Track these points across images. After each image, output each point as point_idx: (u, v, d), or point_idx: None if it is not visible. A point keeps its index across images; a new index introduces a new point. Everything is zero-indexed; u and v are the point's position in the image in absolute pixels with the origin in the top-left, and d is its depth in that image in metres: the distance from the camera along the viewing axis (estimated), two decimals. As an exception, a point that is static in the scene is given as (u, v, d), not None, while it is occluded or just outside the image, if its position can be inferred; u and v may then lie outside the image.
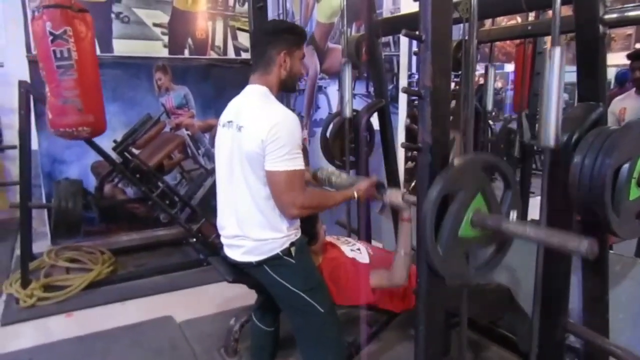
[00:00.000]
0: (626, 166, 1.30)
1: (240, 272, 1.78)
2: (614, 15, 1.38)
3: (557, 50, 1.28)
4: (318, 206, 1.69)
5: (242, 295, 2.72)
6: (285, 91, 1.75)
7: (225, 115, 1.74)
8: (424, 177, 1.32)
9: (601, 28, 1.39)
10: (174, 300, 3.07)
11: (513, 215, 1.34)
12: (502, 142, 3.00)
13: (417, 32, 1.24)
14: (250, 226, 1.65)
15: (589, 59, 1.47)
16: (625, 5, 1.44)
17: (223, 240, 1.79)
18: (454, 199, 1.25)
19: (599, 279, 1.73)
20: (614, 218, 1.33)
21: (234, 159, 1.65)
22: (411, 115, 3.03)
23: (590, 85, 1.51)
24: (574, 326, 1.72)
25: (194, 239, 3.63)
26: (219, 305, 2.92)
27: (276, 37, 1.66)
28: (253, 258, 1.67)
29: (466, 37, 1.44)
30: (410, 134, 3.05)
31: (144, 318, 2.80)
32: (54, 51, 2.38)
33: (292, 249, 1.66)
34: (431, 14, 1.18)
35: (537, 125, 3.09)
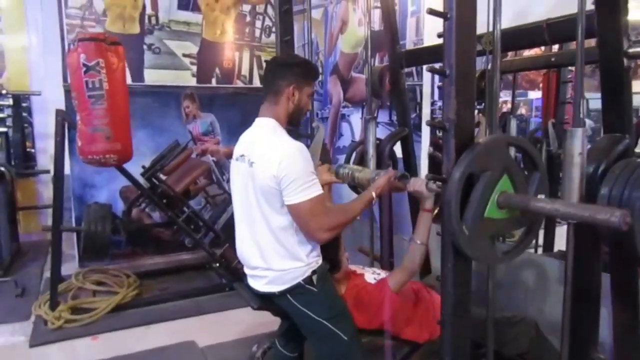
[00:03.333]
0: (655, 198, 1.29)
1: (264, 299, 1.80)
2: (639, 49, 1.38)
3: (579, 132, 1.30)
4: (344, 222, 1.67)
5: (265, 322, 2.72)
6: (290, 125, 1.76)
7: (237, 149, 1.78)
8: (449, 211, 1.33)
9: (626, 61, 1.40)
10: (197, 325, 3.09)
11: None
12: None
13: (440, 67, 1.27)
14: (271, 257, 1.68)
15: (613, 92, 1.47)
16: (650, 39, 1.44)
17: (246, 271, 1.82)
18: (480, 178, 1.24)
19: (630, 311, 1.69)
20: (644, 251, 1.31)
21: (249, 193, 1.69)
22: (434, 144, 3.05)
23: (616, 117, 1.51)
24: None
25: (217, 264, 3.66)
26: (242, 331, 2.92)
27: (288, 69, 1.70)
28: (275, 288, 1.69)
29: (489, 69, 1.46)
30: (434, 161, 3.06)
31: (167, 342, 2.82)
32: (87, 82, 2.51)
33: (314, 277, 1.68)
34: (455, 49, 1.21)
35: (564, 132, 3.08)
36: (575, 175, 1.36)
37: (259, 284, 1.75)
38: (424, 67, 2.94)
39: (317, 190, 1.59)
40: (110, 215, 3.24)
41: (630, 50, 1.39)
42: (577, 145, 1.33)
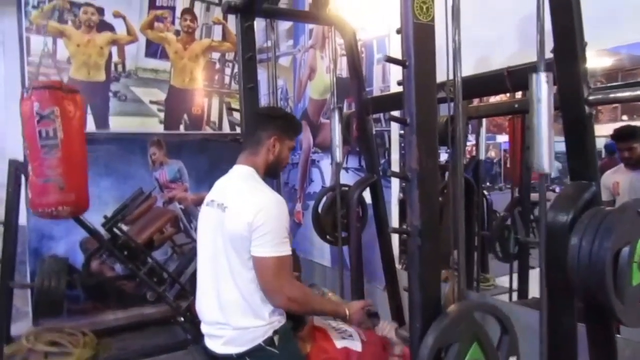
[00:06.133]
0: (626, 249, 1.24)
1: (222, 365, 1.66)
2: (599, 97, 1.38)
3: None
4: (305, 303, 1.60)
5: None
6: (268, 177, 1.73)
7: (210, 195, 1.71)
8: (414, 262, 1.25)
9: (587, 109, 1.39)
10: (157, 388, 2.87)
11: None
12: (497, 239, 3.00)
13: (402, 115, 1.23)
14: (232, 312, 1.56)
15: (577, 139, 1.45)
16: (609, 86, 1.45)
17: (203, 327, 1.69)
18: (448, 353, 1.19)
19: (608, 363, 1.62)
20: (617, 304, 1.25)
21: (217, 240, 1.59)
22: (404, 190, 3.01)
23: (581, 164, 1.48)
24: None
25: (182, 318, 3.47)
26: (205, 392, 2.72)
27: (271, 121, 1.69)
28: (234, 350, 1.56)
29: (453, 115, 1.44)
30: (404, 207, 3.01)
31: (123, 409, 2.60)
32: (40, 131, 2.39)
33: (275, 338, 1.56)
34: (415, 97, 1.18)
35: (531, 221, 3.14)
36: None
37: (216, 343, 1.61)
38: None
39: (288, 250, 1.52)
40: (65, 269, 3.06)
41: (591, 98, 1.38)
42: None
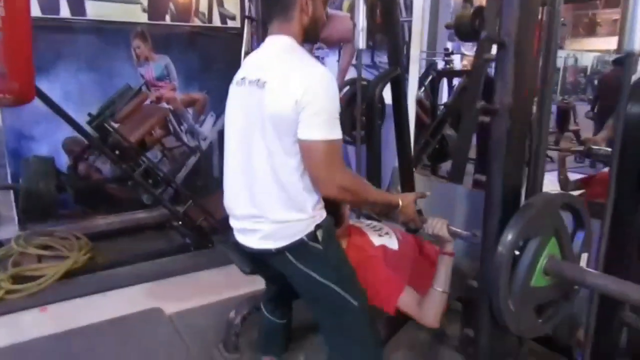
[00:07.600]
0: None
1: (257, 261, 1.52)
2: None
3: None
4: (357, 193, 1.40)
5: (235, 284, 2.48)
6: (308, 42, 1.46)
7: (241, 72, 1.45)
8: (499, 149, 1.08)
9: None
10: (161, 290, 2.78)
11: (585, 259, 1.25)
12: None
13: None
14: (269, 205, 1.38)
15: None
16: None
17: (233, 223, 1.51)
18: (528, 245, 1.09)
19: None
20: None
21: (252, 123, 1.36)
22: (426, 86, 2.81)
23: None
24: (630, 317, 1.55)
25: (180, 222, 3.35)
26: (211, 294, 2.66)
27: None
28: (272, 244, 1.40)
29: None
30: (421, 107, 2.82)
31: (129, 311, 2.51)
32: None
33: (319, 233, 1.40)
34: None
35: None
36: None
37: (252, 239, 1.44)
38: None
39: (339, 133, 1.31)
40: (53, 170, 2.82)
41: None
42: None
